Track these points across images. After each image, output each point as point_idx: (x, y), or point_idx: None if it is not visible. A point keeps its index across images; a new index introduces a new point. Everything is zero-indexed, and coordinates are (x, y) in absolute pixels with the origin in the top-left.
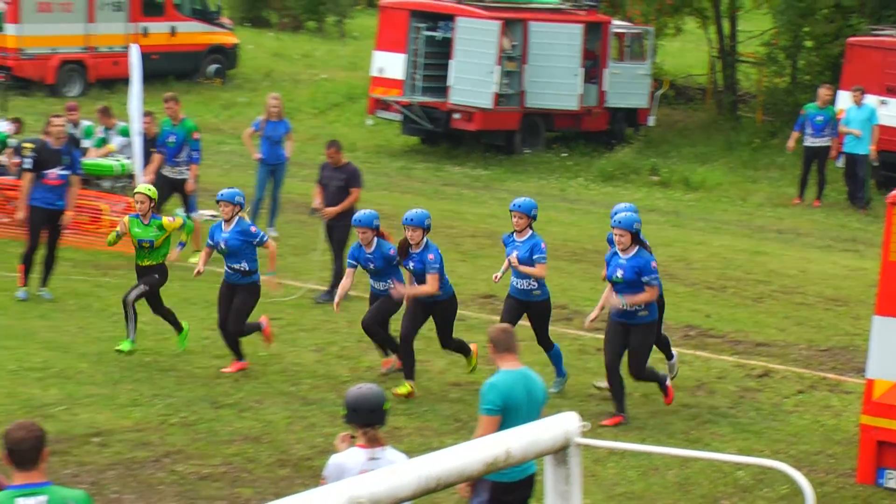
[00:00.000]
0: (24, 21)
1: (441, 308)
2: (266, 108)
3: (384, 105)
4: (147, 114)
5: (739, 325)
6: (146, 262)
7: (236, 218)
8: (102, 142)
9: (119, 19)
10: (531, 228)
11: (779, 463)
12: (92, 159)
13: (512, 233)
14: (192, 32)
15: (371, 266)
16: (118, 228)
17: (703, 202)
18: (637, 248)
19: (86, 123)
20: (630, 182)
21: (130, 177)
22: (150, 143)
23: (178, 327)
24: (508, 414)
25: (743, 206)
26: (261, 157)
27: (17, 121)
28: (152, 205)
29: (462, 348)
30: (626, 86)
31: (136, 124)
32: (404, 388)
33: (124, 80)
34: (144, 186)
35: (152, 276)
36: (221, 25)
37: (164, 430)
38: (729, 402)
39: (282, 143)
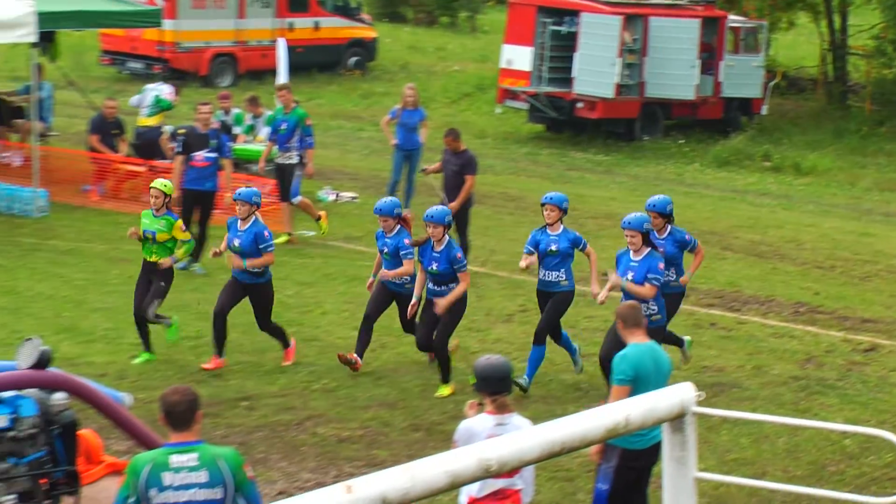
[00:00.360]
0: (180, 17)
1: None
2: (403, 97)
3: (512, 95)
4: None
5: (847, 303)
6: (153, 258)
7: (252, 218)
8: (251, 129)
9: (267, 15)
10: (562, 223)
11: (884, 432)
12: (241, 145)
13: (543, 227)
14: (335, 27)
15: (385, 250)
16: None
17: (813, 186)
18: (649, 249)
19: (236, 111)
20: (743, 167)
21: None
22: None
23: (168, 324)
24: (638, 384)
25: (851, 190)
26: (397, 143)
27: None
28: (167, 200)
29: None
30: (741, 77)
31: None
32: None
33: (271, 72)
34: (160, 182)
35: (159, 285)
36: (361, 21)
37: (306, 396)
38: (836, 375)
39: (417, 130)
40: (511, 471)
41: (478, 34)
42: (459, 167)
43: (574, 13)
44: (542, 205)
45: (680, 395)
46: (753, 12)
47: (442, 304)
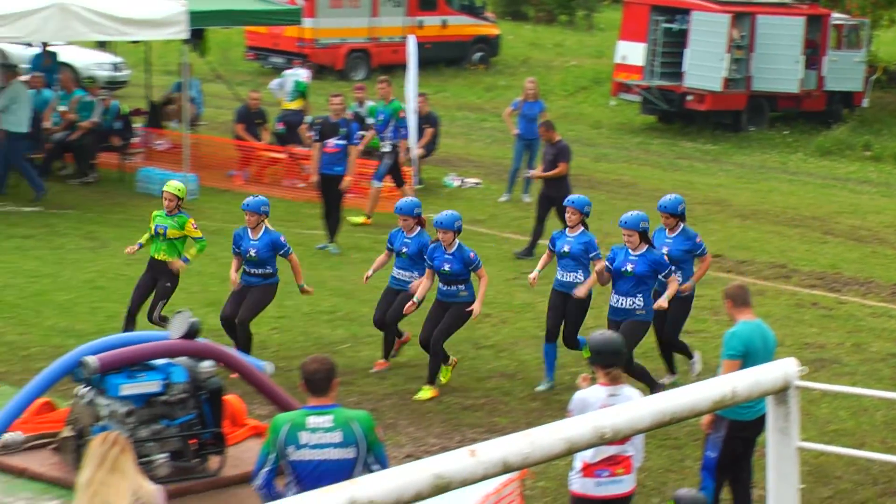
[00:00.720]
0: (319, 15)
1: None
2: (524, 90)
3: (626, 88)
4: (421, 95)
5: None
6: (160, 256)
7: (262, 226)
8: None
9: (398, 14)
10: (583, 224)
11: None
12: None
13: (564, 229)
14: (461, 25)
15: (404, 250)
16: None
17: None
18: (646, 247)
19: (369, 103)
20: (845, 157)
21: (406, 149)
22: (423, 120)
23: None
24: (748, 359)
25: None
26: (518, 133)
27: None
28: (179, 203)
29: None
30: (843, 71)
31: (412, 104)
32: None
33: (402, 66)
34: (174, 186)
35: (165, 286)
36: (486, 19)
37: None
38: None
39: (537, 121)
40: (623, 438)
41: (594, 31)
42: (554, 156)
43: (685, 12)
44: (565, 207)
45: (784, 369)
46: (856, 10)
47: (476, 307)
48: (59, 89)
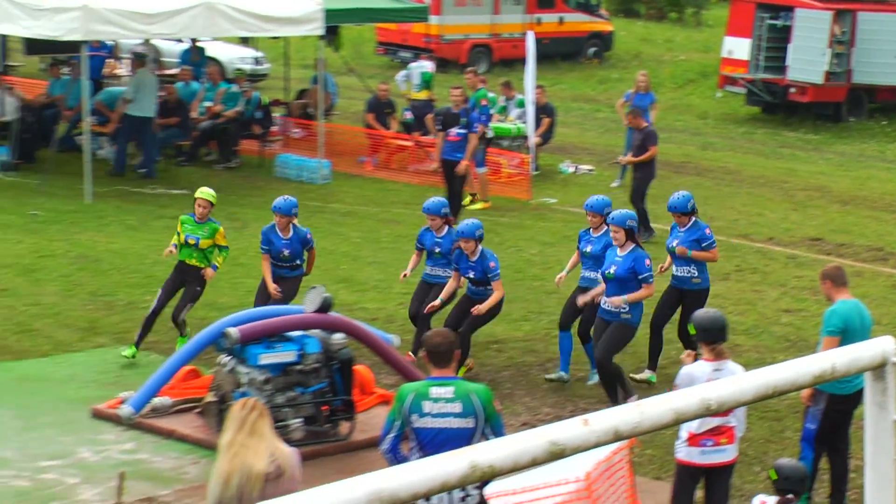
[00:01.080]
0: (444, 13)
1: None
2: (635, 82)
3: (731, 81)
4: (538, 87)
5: None
6: (191, 262)
7: (291, 226)
8: (503, 109)
9: (518, 11)
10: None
11: None
12: (495, 123)
13: (588, 229)
14: (577, 21)
15: (437, 250)
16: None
17: None
18: (633, 245)
19: (491, 95)
20: None
21: (524, 138)
22: (541, 110)
23: (182, 334)
24: (846, 336)
25: None
26: (628, 122)
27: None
28: (210, 210)
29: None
30: None
31: (530, 95)
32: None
33: (521, 61)
34: (209, 193)
35: (195, 290)
36: (600, 16)
37: (547, 341)
38: None
39: (647, 112)
40: (727, 410)
41: (702, 28)
42: (641, 140)
43: (789, 9)
44: (585, 211)
45: (881, 346)
46: None
47: (480, 308)
48: (205, 82)
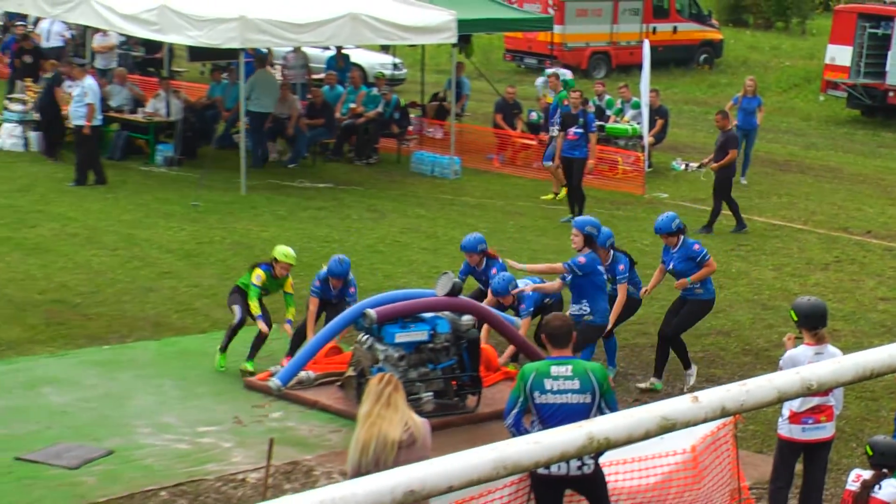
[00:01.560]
0: (566, 23)
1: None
2: (744, 86)
3: (833, 85)
4: (653, 90)
5: None
6: (255, 309)
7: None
8: (619, 111)
9: (635, 21)
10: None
11: None
12: (612, 124)
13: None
14: (689, 31)
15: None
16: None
17: None
18: (590, 251)
19: (608, 97)
20: None
21: (639, 137)
22: (655, 112)
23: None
24: None
25: None
26: (737, 124)
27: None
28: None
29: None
30: None
31: (645, 98)
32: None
33: (637, 66)
34: (291, 256)
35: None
36: (711, 25)
37: (658, 324)
38: None
39: (754, 114)
40: (826, 390)
41: (806, 36)
42: (722, 143)
43: (889, 18)
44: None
45: None
46: None
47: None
48: (349, 85)
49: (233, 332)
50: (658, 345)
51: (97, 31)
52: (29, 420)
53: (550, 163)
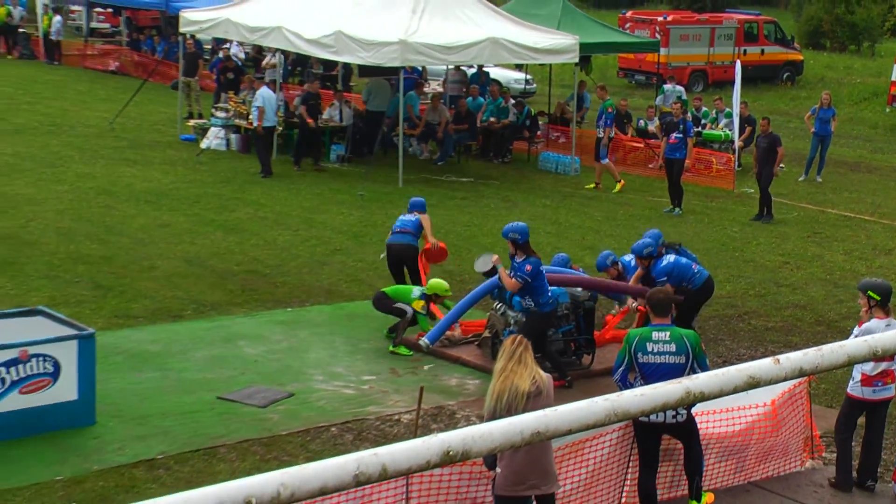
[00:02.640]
0: (671, 46)
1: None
2: (820, 99)
3: None
4: (742, 102)
5: None
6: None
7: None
8: (714, 120)
9: (728, 45)
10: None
11: None
12: (708, 130)
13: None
14: (775, 52)
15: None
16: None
17: None
18: (524, 256)
19: (704, 108)
20: None
21: (731, 142)
22: (744, 120)
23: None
24: None
25: None
26: (814, 131)
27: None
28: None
29: None
30: None
31: (736, 109)
32: None
33: (730, 82)
34: (444, 288)
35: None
36: (793, 48)
37: (745, 298)
38: None
39: (829, 122)
40: (892, 356)
41: (875, 58)
42: (768, 144)
43: None
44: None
45: None
46: None
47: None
48: (488, 97)
49: (406, 325)
50: None
51: (266, 52)
52: (227, 367)
53: (606, 161)
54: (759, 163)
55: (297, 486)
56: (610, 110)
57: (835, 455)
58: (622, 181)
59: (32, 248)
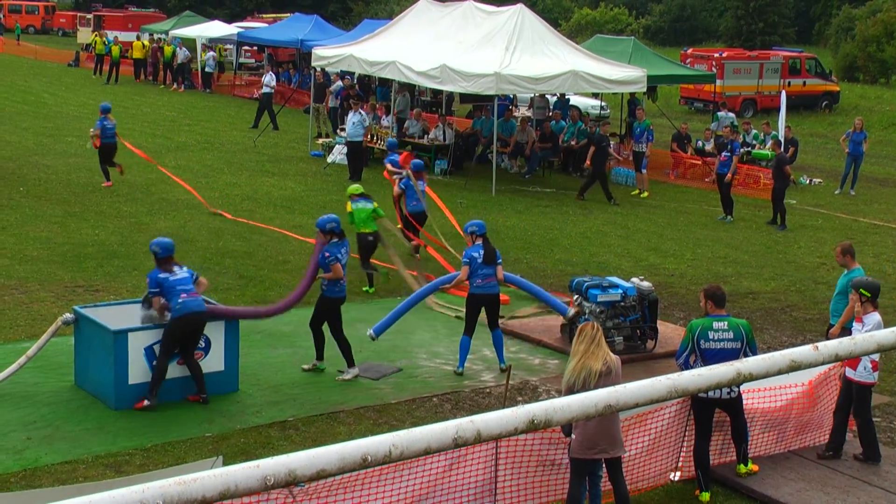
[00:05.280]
0: (725, 78)
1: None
2: (854, 124)
3: None
4: (787, 126)
5: None
6: None
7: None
8: (762, 140)
9: (775, 77)
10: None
11: None
12: (757, 150)
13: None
14: (815, 84)
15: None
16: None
17: None
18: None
19: (754, 131)
20: None
21: (770, 159)
22: (788, 142)
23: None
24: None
25: None
26: (848, 151)
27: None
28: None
29: None
30: None
31: (782, 131)
32: None
33: (776, 109)
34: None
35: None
36: (831, 80)
37: (786, 293)
38: None
39: (861, 144)
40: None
41: None
42: (777, 163)
43: None
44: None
45: None
46: None
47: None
48: (569, 120)
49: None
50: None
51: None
52: None
53: (644, 172)
54: (773, 179)
55: (406, 446)
56: (651, 128)
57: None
58: (648, 191)
59: (189, 245)
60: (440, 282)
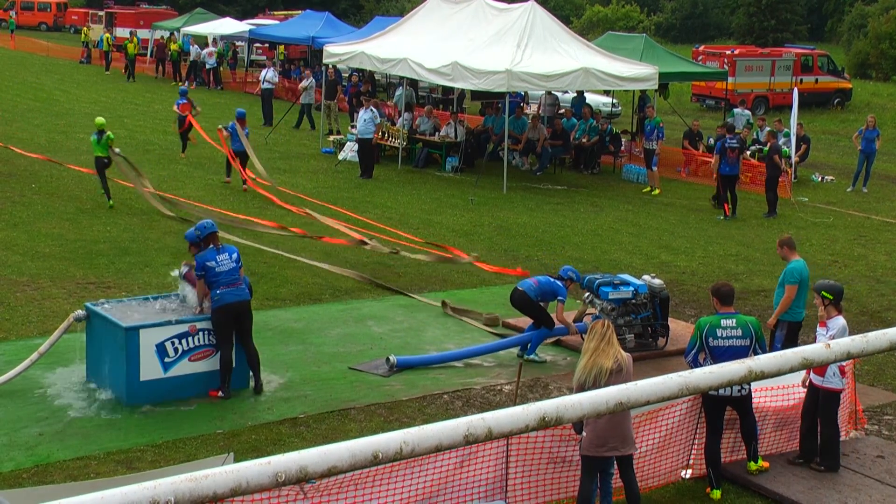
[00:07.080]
0: (737, 75)
1: None
2: (866, 122)
3: None
4: (799, 124)
5: None
6: None
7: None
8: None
9: (787, 75)
10: None
11: None
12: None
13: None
14: (827, 81)
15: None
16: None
17: None
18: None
19: (768, 128)
20: None
21: (789, 157)
22: (800, 139)
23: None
24: (801, 285)
25: None
26: (861, 149)
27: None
28: None
29: None
30: None
31: (794, 129)
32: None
33: (788, 107)
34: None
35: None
36: (843, 78)
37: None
38: None
39: (874, 141)
40: None
41: None
42: (769, 153)
43: None
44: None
45: None
46: None
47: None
48: (580, 118)
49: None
50: None
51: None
52: (357, 342)
53: (655, 168)
54: (766, 169)
55: (417, 443)
56: (661, 125)
57: (876, 427)
58: (660, 189)
59: None
60: (522, 339)
